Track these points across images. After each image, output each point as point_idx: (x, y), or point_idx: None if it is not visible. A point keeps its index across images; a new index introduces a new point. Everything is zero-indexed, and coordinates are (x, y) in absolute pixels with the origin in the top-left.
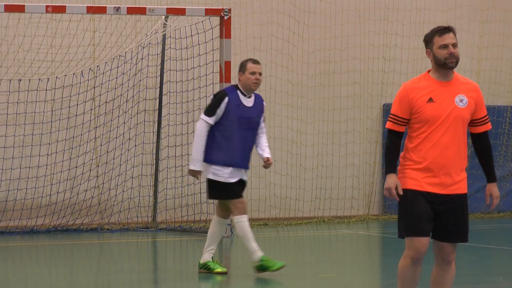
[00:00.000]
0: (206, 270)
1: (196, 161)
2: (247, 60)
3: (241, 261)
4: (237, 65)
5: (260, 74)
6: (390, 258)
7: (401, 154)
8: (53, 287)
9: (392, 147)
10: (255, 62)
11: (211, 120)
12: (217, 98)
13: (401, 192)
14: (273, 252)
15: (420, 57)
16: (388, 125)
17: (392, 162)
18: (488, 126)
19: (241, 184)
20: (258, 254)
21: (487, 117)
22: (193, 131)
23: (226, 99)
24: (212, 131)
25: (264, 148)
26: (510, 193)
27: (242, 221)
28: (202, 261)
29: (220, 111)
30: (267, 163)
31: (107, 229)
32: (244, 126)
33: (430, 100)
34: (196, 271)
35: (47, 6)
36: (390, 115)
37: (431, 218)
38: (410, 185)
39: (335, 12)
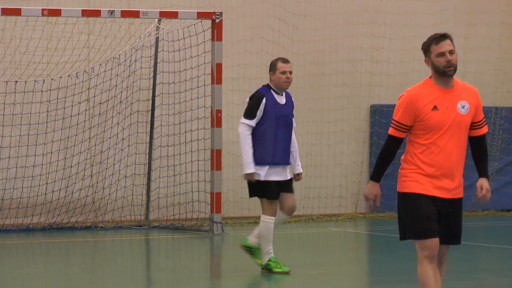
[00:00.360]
0: (247, 250)
1: (249, 164)
2: (276, 60)
3: (231, 259)
4: (228, 67)
5: (290, 72)
6: (377, 255)
7: (403, 157)
8: (48, 285)
9: (388, 153)
10: (285, 61)
11: (253, 123)
12: (255, 100)
13: (378, 204)
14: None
15: (407, 59)
16: (391, 131)
17: (382, 170)
18: (485, 129)
19: (288, 182)
20: (270, 256)
21: (484, 120)
22: (185, 131)
23: (264, 100)
24: (251, 132)
25: (296, 158)
26: (494, 192)
27: (269, 222)
28: (249, 242)
29: (259, 112)
30: (297, 179)
31: (101, 227)
32: (281, 123)
33: (435, 108)
34: (188, 267)
35: (43, 10)
36: (393, 122)
37: (437, 219)
38: (416, 189)
39: (324, 15)
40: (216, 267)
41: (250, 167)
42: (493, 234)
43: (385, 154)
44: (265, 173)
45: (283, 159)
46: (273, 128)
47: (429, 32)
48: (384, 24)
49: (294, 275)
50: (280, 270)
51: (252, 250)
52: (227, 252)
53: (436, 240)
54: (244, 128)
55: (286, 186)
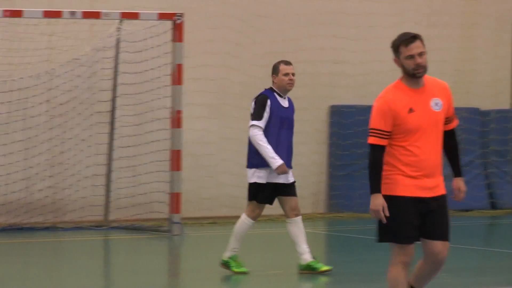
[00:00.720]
0: (310, 270)
1: (274, 158)
2: (279, 62)
3: (190, 259)
4: (189, 68)
5: (293, 74)
6: (335, 256)
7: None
8: (6, 286)
9: (378, 163)
10: (287, 63)
11: (262, 123)
12: (261, 102)
13: (387, 214)
14: (221, 250)
15: (367, 60)
16: (372, 140)
17: (378, 181)
18: (456, 122)
19: (290, 185)
20: (232, 254)
21: (454, 113)
22: (146, 132)
23: (269, 102)
24: None
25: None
26: (452, 192)
27: (247, 223)
28: (303, 262)
29: (266, 114)
30: None
31: (61, 227)
32: (285, 126)
33: (411, 110)
34: (147, 267)
35: (4, 11)
36: (372, 130)
37: (418, 224)
38: (399, 192)
39: (285, 16)
40: (175, 267)
41: (277, 161)
42: (452, 234)
43: (375, 165)
44: (267, 175)
45: (286, 161)
46: (276, 130)
47: (390, 33)
48: (345, 25)
49: (253, 275)
50: (238, 270)
51: (314, 267)
52: (186, 252)
53: (413, 246)
54: (255, 130)
55: (288, 189)
